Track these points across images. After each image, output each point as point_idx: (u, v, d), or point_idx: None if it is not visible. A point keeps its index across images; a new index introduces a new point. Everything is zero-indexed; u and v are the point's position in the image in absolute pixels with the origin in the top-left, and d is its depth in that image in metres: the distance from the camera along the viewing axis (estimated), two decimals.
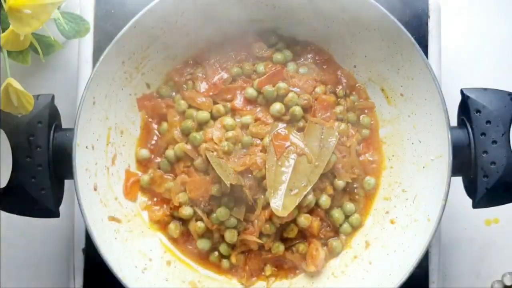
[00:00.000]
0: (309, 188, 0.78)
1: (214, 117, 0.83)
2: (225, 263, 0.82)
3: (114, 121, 0.81)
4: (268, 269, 0.82)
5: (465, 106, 0.77)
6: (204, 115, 0.82)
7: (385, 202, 0.83)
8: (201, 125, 0.82)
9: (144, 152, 0.84)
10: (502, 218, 0.93)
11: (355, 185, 0.83)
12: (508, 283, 0.85)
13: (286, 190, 0.78)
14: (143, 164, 0.84)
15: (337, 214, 0.82)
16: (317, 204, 0.81)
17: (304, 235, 0.82)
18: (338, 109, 0.83)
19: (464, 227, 0.93)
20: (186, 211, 0.80)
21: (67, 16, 0.78)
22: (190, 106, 0.83)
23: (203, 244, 0.81)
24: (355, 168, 0.82)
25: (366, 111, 0.85)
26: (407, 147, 0.82)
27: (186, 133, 0.82)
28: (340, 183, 0.81)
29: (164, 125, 0.84)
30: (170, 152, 0.82)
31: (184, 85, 0.85)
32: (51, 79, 0.93)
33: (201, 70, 0.85)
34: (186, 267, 0.82)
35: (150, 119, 0.84)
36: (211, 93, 0.83)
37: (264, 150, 0.80)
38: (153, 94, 0.85)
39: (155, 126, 0.85)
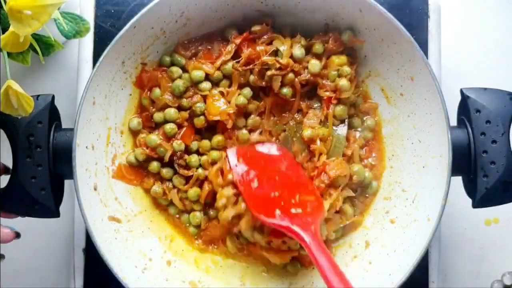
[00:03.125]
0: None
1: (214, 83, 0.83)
2: None
3: (114, 121, 0.81)
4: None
5: (465, 106, 0.77)
6: (198, 74, 0.82)
7: (385, 202, 0.83)
8: (195, 85, 0.82)
9: (135, 122, 0.83)
10: (502, 218, 0.93)
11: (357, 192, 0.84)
12: (508, 283, 0.85)
13: None
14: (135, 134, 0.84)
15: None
16: None
17: None
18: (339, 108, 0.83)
19: (464, 227, 0.93)
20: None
21: (67, 16, 0.78)
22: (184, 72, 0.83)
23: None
24: (357, 177, 0.82)
25: (369, 113, 0.85)
26: (407, 147, 0.82)
27: (176, 94, 0.81)
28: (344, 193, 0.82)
29: (157, 90, 0.82)
30: (159, 115, 0.82)
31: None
32: (51, 79, 0.93)
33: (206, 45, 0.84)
34: (186, 267, 0.82)
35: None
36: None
37: None
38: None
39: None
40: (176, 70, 0.82)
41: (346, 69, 0.81)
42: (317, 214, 0.78)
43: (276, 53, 0.82)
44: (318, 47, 0.82)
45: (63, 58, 0.93)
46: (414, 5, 0.87)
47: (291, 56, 0.81)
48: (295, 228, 0.74)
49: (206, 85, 0.82)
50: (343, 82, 0.81)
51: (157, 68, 0.83)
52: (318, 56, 0.83)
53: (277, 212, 0.76)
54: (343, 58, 0.82)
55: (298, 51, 0.81)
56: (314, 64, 0.81)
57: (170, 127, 0.81)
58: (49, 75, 0.93)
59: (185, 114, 0.82)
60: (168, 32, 0.81)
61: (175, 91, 0.82)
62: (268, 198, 0.78)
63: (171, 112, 0.82)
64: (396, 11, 0.85)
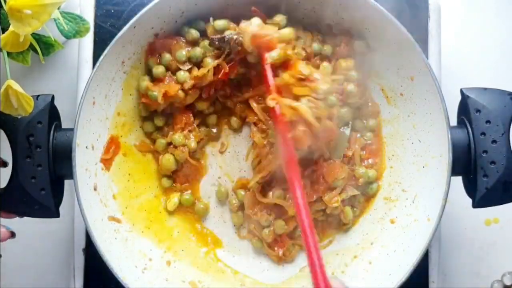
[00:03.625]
0: None
1: None
2: None
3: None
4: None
5: (465, 106, 0.77)
6: (222, 23, 0.80)
7: (385, 202, 0.83)
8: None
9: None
10: (502, 218, 0.93)
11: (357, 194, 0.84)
12: (508, 283, 0.85)
13: None
14: None
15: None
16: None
17: None
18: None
19: (464, 227, 0.93)
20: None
21: (67, 16, 0.78)
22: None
23: None
24: (363, 179, 0.82)
25: (371, 115, 0.85)
26: (407, 146, 0.82)
27: (193, 61, 0.80)
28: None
29: (167, 56, 0.81)
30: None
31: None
32: (51, 79, 0.93)
33: None
34: (186, 267, 0.82)
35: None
36: None
37: None
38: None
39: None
40: (194, 32, 0.81)
41: (354, 74, 0.81)
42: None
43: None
44: (326, 48, 0.82)
45: (63, 58, 0.93)
46: (414, 5, 0.87)
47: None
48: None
49: (228, 32, 0.79)
50: (351, 87, 0.81)
51: (171, 36, 0.82)
52: (328, 59, 0.83)
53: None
54: (350, 62, 0.82)
55: (316, 46, 0.82)
56: (326, 67, 0.81)
57: (182, 74, 0.80)
58: (49, 75, 0.93)
59: (201, 72, 0.80)
60: (168, 32, 0.81)
61: (192, 58, 0.80)
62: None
63: (181, 72, 0.80)
64: (396, 11, 0.85)
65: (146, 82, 0.80)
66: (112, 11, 0.87)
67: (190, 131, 0.83)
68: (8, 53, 0.71)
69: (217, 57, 0.80)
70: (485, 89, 0.77)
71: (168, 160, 0.83)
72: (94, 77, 0.74)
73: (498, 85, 0.79)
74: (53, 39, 0.78)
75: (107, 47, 0.75)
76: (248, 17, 0.81)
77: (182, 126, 0.83)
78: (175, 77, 0.81)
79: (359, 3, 0.77)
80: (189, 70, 0.81)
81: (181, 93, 0.80)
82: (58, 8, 0.75)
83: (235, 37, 0.78)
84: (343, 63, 0.82)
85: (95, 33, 0.86)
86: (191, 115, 0.84)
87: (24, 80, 0.91)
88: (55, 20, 0.77)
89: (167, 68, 0.81)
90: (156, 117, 0.84)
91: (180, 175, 0.85)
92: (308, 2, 0.80)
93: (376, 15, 0.76)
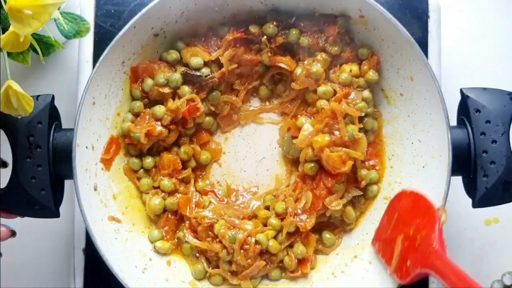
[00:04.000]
0: None
1: None
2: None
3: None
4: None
5: (465, 106, 0.77)
6: (198, 61, 0.81)
7: (385, 202, 0.83)
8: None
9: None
10: (502, 218, 0.93)
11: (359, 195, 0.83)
12: (507, 283, 0.84)
13: None
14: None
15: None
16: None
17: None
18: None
19: (464, 227, 0.93)
20: None
21: (67, 16, 0.78)
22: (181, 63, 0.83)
23: None
24: (365, 181, 0.82)
25: (373, 118, 0.85)
26: (407, 146, 0.82)
27: (173, 87, 0.81)
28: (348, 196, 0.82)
29: (149, 81, 0.81)
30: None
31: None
32: (51, 79, 0.93)
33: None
34: (186, 267, 0.82)
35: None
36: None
37: None
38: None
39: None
40: (174, 53, 0.82)
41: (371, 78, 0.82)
42: (432, 224, 0.74)
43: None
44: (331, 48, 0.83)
45: (63, 58, 0.93)
46: (414, 5, 0.87)
47: None
48: (424, 271, 0.72)
49: (205, 70, 0.82)
50: (366, 94, 0.82)
51: (153, 61, 0.82)
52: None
53: (409, 263, 0.73)
54: (355, 68, 0.82)
55: (314, 68, 0.82)
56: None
57: (160, 110, 0.81)
58: (49, 75, 0.93)
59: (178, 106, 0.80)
60: (168, 32, 0.81)
61: (172, 84, 0.81)
62: (403, 256, 0.74)
63: (157, 108, 0.81)
64: (396, 11, 0.85)
65: (127, 123, 0.80)
66: (112, 11, 0.87)
67: (178, 178, 0.83)
68: (8, 53, 0.71)
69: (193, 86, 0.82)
70: (485, 89, 0.77)
71: (157, 206, 0.81)
72: (94, 77, 0.74)
73: (498, 85, 0.79)
74: (53, 39, 0.78)
75: (107, 47, 0.75)
76: (247, 17, 0.82)
77: (170, 172, 0.82)
78: (151, 112, 0.81)
79: (359, 3, 0.77)
80: (165, 103, 0.81)
81: (163, 130, 0.80)
82: (58, 9, 0.75)
83: (208, 77, 0.81)
84: (347, 68, 0.82)
85: (95, 33, 0.86)
86: (179, 160, 0.83)
87: (24, 80, 0.91)
88: (55, 20, 0.77)
89: (148, 98, 0.82)
90: (144, 158, 0.83)
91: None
92: (309, 2, 0.80)
93: (376, 15, 0.76)
